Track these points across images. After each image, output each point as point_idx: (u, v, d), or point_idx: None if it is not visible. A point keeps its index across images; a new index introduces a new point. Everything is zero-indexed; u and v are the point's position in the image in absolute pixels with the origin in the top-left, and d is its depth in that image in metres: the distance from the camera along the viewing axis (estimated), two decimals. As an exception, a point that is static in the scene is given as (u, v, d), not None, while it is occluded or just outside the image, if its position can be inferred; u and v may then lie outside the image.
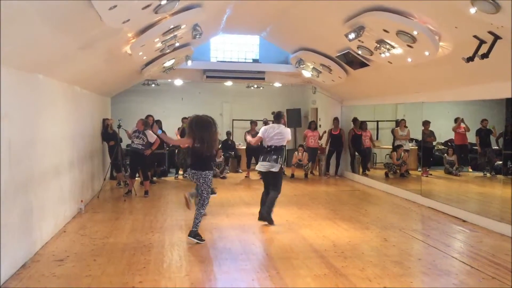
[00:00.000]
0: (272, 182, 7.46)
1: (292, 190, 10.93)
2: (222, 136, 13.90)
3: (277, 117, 7.62)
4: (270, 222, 7.30)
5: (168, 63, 10.25)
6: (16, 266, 5.10)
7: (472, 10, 4.87)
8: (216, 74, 13.07)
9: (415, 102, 10.24)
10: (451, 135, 12.97)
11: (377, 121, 13.97)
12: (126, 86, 12.64)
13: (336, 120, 13.27)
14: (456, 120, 12.25)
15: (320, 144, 13.64)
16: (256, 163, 13.23)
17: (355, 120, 13.04)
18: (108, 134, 10.73)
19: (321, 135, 13.61)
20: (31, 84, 5.63)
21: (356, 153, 13.30)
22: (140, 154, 9.81)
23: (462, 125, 12.11)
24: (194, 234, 6.27)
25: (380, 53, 7.51)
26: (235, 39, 14.16)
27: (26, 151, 5.40)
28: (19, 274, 4.99)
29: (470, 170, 12.60)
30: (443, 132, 13.05)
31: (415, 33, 6.32)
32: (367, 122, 13.29)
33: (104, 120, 10.89)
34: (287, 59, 12.72)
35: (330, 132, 13.34)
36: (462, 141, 12.35)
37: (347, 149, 13.48)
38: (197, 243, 6.22)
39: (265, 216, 7.29)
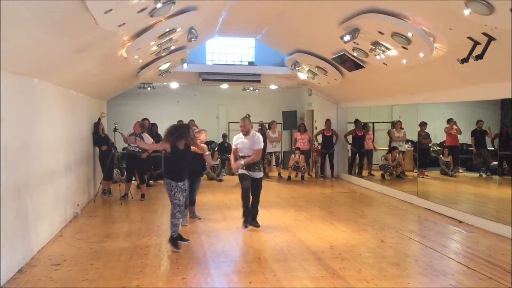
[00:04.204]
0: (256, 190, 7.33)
1: (288, 192, 10.95)
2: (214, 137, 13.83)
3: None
4: (258, 225, 7.33)
5: (164, 66, 10.25)
6: (13, 271, 5.08)
7: (466, 12, 4.90)
8: (212, 77, 13.09)
9: (410, 104, 10.28)
10: (446, 136, 13.03)
11: (373, 123, 14.00)
12: (122, 89, 12.63)
13: (328, 121, 13.24)
14: (448, 121, 12.31)
15: (316, 146, 13.66)
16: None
17: (356, 121, 13.01)
18: (100, 138, 10.20)
19: (311, 138, 13.67)
20: (26, 88, 5.62)
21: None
22: (137, 157, 9.80)
23: (454, 127, 12.17)
24: (169, 239, 6.17)
25: (375, 55, 7.54)
26: (231, 41, 14.18)
27: (21, 155, 5.38)
28: (16, 279, 4.97)
29: (461, 171, 12.65)
30: (439, 133, 13.10)
31: (409, 34, 6.36)
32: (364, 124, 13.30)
33: (95, 124, 10.14)
34: (283, 62, 12.74)
35: (322, 133, 13.33)
36: (453, 143, 12.43)
37: (344, 151, 13.51)
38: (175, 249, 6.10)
39: (255, 222, 7.32)
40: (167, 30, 6.81)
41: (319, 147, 13.49)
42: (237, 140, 7.41)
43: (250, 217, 7.30)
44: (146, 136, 9.91)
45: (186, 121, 12.75)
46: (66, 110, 7.65)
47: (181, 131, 6.18)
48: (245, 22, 10.01)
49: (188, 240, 6.43)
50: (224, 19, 9.30)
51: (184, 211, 6.82)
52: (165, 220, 7.85)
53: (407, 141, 13.37)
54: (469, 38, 5.78)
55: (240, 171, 7.24)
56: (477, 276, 5.14)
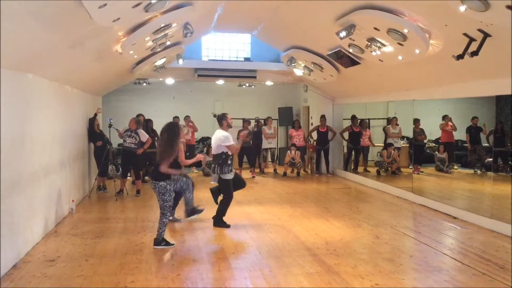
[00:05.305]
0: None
1: (284, 189, 10.96)
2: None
3: (219, 121, 7.52)
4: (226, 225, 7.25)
5: (159, 62, 10.21)
6: (7, 267, 5.06)
7: (462, 8, 4.91)
8: (208, 73, 13.04)
9: (406, 100, 10.30)
10: (442, 133, 13.07)
11: (369, 119, 14.02)
12: (117, 85, 12.57)
13: (323, 117, 13.21)
14: (444, 117, 12.34)
15: (311, 142, 13.66)
16: (249, 162, 13.42)
17: (353, 117, 13.01)
18: (95, 134, 10.12)
19: (305, 134, 13.69)
20: (20, 83, 5.58)
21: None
22: (133, 153, 9.77)
23: (450, 123, 12.21)
24: (157, 242, 6.06)
25: (371, 51, 7.54)
26: (227, 37, 14.13)
27: (16, 151, 5.35)
28: (10, 275, 4.95)
29: (456, 167, 12.70)
30: (434, 129, 13.13)
31: (405, 31, 6.36)
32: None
33: (91, 119, 10.11)
34: (279, 58, 12.73)
35: (317, 130, 13.33)
36: (448, 139, 12.47)
37: (340, 147, 13.52)
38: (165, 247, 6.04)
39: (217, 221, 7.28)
40: (162, 25, 6.78)
41: (315, 144, 13.50)
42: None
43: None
44: (141, 132, 9.89)
45: (181, 117, 12.83)
46: (61, 106, 7.61)
47: (171, 131, 6.03)
48: (241, 18, 9.98)
49: (173, 245, 6.12)
50: (220, 14, 9.27)
51: (191, 198, 6.81)
52: (161, 216, 7.85)
53: (402, 137, 13.41)
54: (465, 34, 5.79)
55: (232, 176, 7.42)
56: (471, 272, 5.16)
